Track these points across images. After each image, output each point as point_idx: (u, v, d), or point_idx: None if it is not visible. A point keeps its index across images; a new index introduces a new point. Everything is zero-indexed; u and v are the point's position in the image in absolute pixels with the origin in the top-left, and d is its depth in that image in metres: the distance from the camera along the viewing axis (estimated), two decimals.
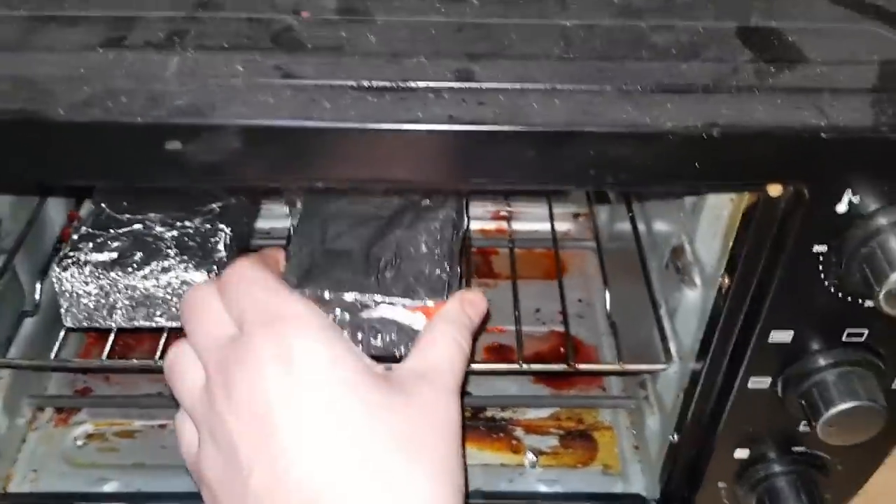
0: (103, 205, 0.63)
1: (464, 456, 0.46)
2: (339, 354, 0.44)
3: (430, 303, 0.52)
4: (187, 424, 0.49)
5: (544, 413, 0.74)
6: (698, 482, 0.60)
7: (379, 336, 0.54)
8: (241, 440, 0.42)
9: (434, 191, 0.60)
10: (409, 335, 0.53)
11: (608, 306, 0.64)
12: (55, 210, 0.73)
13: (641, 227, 0.69)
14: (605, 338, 0.79)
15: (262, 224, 0.83)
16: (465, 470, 0.46)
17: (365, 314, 0.53)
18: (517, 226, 0.88)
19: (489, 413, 0.74)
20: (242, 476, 0.42)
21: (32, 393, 0.71)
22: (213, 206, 0.63)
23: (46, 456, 0.69)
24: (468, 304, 0.53)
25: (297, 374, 0.42)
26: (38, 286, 0.65)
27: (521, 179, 0.43)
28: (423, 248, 0.56)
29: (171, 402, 0.72)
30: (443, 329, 0.51)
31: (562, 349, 0.76)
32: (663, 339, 0.61)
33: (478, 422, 0.73)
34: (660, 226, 0.64)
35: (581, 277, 0.84)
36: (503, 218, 0.89)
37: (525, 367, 0.61)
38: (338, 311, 0.54)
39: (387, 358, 0.51)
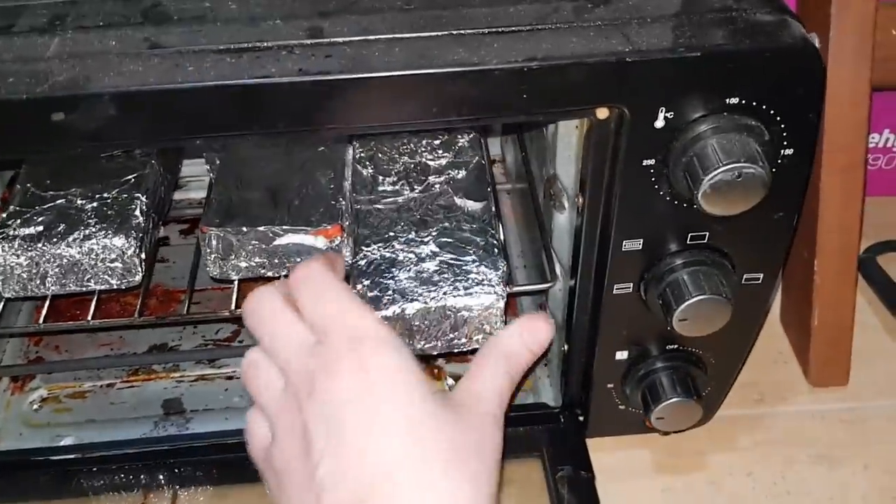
0: (29, 185, 0.68)
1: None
2: (410, 368, 0.48)
3: (327, 227, 0.64)
4: (261, 422, 0.52)
5: None
6: (590, 386, 0.67)
7: (299, 258, 0.64)
8: (317, 435, 0.46)
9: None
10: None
11: (500, 236, 0.70)
12: None
13: (533, 167, 0.75)
14: (520, 271, 0.85)
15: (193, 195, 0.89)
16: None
17: (276, 241, 0.64)
18: None
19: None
20: (312, 464, 0.46)
21: None
22: (129, 177, 0.68)
23: (5, 420, 0.75)
24: (528, 332, 0.54)
25: (373, 383, 0.47)
26: None
27: (372, 122, 0.49)
28: (319, 185, 0.67)
29: (115, 363, 0.79)
30: (496, 360, 0.53)
31: None
32: (549, 261, 0.67)
33: None
34: (540, 161, 0.70)
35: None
36: None
37: None
38: (254, 242, 0.64)
39: None
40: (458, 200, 0.66)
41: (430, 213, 0.65)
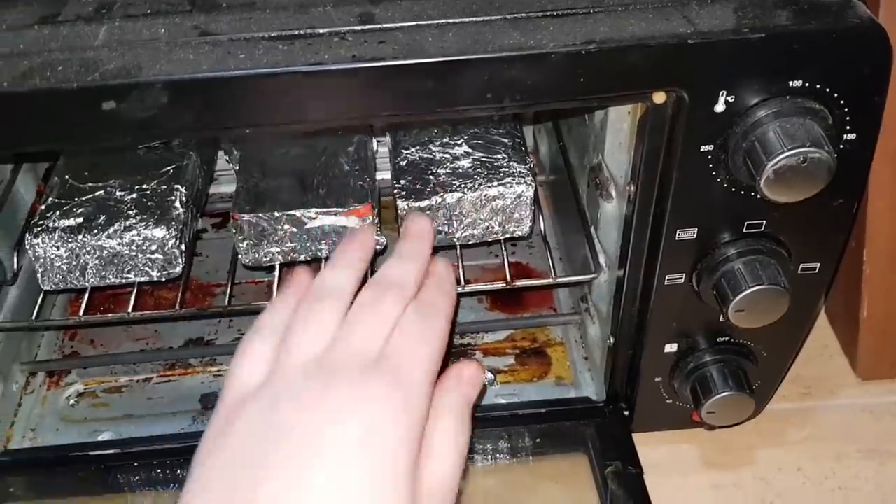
0: (67, 176, 0.68)
1: None
2: (411, 437, 0.44)
3: (357, 206, 0.65)
4: (263, 359, 0.48)
5: (501, 336, 0.79)
6: (636, 379, 0.66)
7: (324, 242, 0.65)
8: (280, 447, 0.42)
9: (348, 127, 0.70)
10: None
11: (542, 227, 0.69)
12: (25, 189, 0.77)
13: (573, 157, 0.74)
14: (557, 264, 0.84)
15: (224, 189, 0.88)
16: None
17: (308, 224, 0.65)
18: None
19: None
20: (262, 471, 0.42)
21: (24, 360, 0.76)
22: (168, 168, 0.68)
23: (42, 416, 0.74)
24: (467, 383, 0.52)
25: (369, 427, 0.43)
26: (14, 257, 0.69)
27: (425, 109, 0.47)
28: (345, 168, 0.69)
29: (151, 357, 0.79)
30: (445, 426, 0.48)
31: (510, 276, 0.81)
32: (593, 252, 0.66)
33: None
34: (581, 150, 0.69)
35: None
36: None
37: (468, 288, 0.66)
38: (287, 226, 0.65)
39: None
40: None
41: (459, 122, 0.70)
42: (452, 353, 0.78)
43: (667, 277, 0.58)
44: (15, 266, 0.69)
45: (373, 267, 0.58)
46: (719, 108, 0.49)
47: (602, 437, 0.66)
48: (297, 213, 0.64)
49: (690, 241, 0.56)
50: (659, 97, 0.49)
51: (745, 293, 0.54)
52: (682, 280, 0.58)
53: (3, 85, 0.44)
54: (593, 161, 0.64)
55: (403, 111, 0.48)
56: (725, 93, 0.48)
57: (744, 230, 0.55)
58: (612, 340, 0.65)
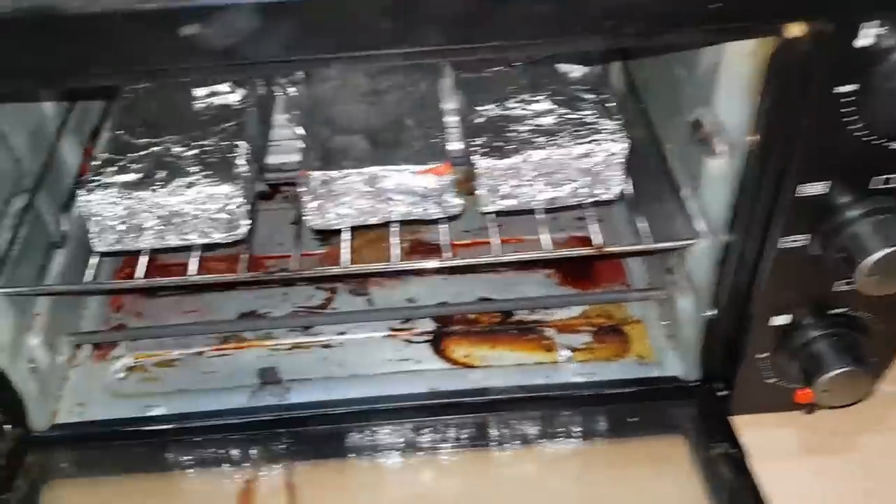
0: (120, 132, 0.63)
1: None
2: None
3: (436, 164, 0.59)
4: None
5: (574, 312, 0.74)
6: (739, 357, 0.60)
7: (405, 201, 0.60)
8: None
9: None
10: (422, 196, 0.60)
11: (625, 193, 0.63)
12: (69, 150, 0.73)
13: (655, 112, 0.68)
14: (628, 237, 0.79)
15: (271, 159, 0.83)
16: None
17: (382, 183, 0.59)
18: None
19: (518, 317, 0.74)
20: None
21: (70, 331, 0.71)
22: (229, 124, 0.63)
23: (90, 390, 0.70)
24: None
25: None
26: (63, 217, 0.65)
27: (541, 36, 0.42)
28: (418, 124, 0.63)
29: (205, 330, 0.74)
30: None
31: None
32: (687, 216, 0.61)
33: (507, 326, 0.74)
34: (671, 104, 0.63)
35: None
36: None
37: (552, 254, 0.61)
38: (360, 184, 0.59)
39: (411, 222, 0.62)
40: (560, 66, 0.66)
41: (536, 79, 0.65)
42: (524, 330, 0.74)
43: (784, 241, 0.53)
44: (64, 227, 0.65)
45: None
46: (863, 41, 0.43)
47: (700, 419, 0.61)
48: (373, 169, 0.59)
49: (814, 199, 0.50)
50: (796, 29, 0.44)
51: (880, 255, 0.49)
52: (802, 243, 0.53)
53: (74, 4, 0.40)
54: (692, 114, 0.58)
55: (510, 41, 0.43)
56: (878, 23, 0.42)
57: (871, 185, 0.50)
58: (711, 314, 0.60)
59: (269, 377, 0.70)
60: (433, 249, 0.80)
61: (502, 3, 0.41)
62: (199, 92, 0.66)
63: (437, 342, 0.73)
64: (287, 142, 0.74)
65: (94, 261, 0.63)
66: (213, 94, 0.66)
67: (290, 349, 0.72)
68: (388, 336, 0.73)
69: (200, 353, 0.72)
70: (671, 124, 0.64)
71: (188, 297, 0.77)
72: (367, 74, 0.67)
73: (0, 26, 0.40)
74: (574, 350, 0.71)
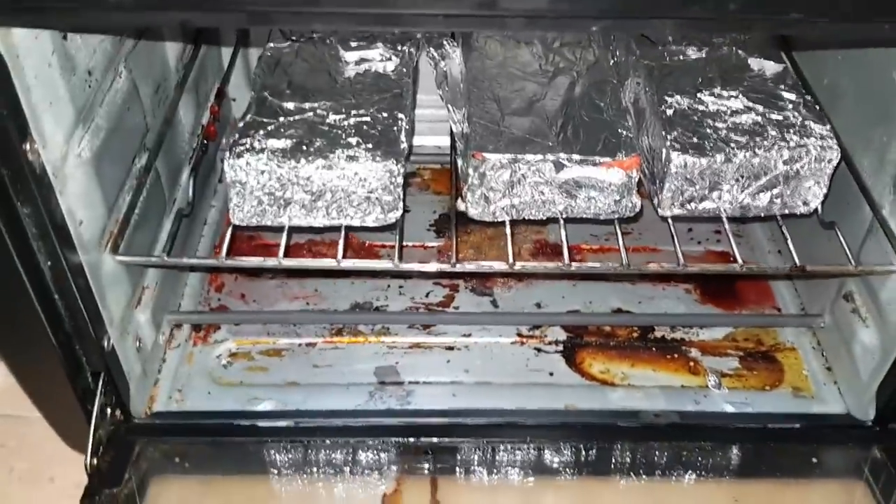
0: (265, 93, 0.57)
1: None
2: None
3: (624, 157, 0.53)
4: None
5: (719, 334, 0.68)
6: None
7: (579, 196, 0.54)
8: None
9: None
10: (607, 192, 0.54)
11: (820, 209, 0.57)
12: (186, 110, 0.66)
13: (845, 123, 0.62)
14: (770, 256, 0.73)
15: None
16: None
17: (563, 175, 0.53)
18: None
19: (658, 333, 0.68)
20: None
21: (171, 309, 0.65)
22: (387, 94, 0.57)
23: (190, 375, 0.63)
24: None
25: None
26: (190, 184, 0.59)
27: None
28: (596, 109, 0.57)
29: (317, 318, 0.68)
30: None
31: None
32: (892, 240, 0.55)
33: (647, 342, 0.68)
34: (866, 113, 0.57)
35: None
36: None
37: (746, 268, 0.55)
38: (540, 173, 0.53)
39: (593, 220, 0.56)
40: (752, 61, 0.61)
41: (727, 72, 0.59)
42: (666, 348, 0.67)
43: None
44: (191, 194, 0.58)
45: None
46: None
47: (884, 464, 0.54)
48: (557, 157, 0.53)
49: None
50: None
51: None
52: None
53: None
54: None
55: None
56: None
57: None
58: None
59: (388, 377, 0.63)
60: (558, 251, 0.74)
61: None
62: (349, 56, 0.60)
63: (571, 353, 0.66)
64: (426, 123, 0.68)
65: (229, 231, 0.55)
66: (363, 59, 0.60)
67: (409, 348, 0.66)
68: (517, 342, 0.67)
69: (312, 345, 0.66)
70: (871, 136, 0.58)
71: (293, 282, 0.70)
72: (532, 52, 0.61)
73: None
74: (722, 375, 0.65)
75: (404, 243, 0.72)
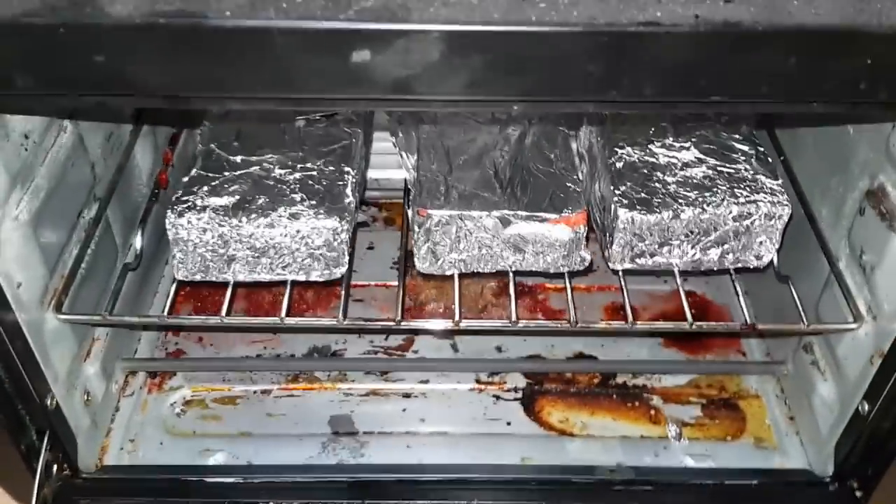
0: (212, 145, 0.56)
1: None
2: None
3: (570, 214, 0.53)
4: None
5: (681, 380, 0.67)
6: (889, 459, 0.53)
7: (527, 251, 0.54)
8: None
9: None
10: (555, 247, 0.54)
11: (775, 261, 0.56)
12: (143, 155, 0.66)
13: (808, 178, 0.61)
14: (740, 297, 0.71)
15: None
16: None
17: (509, 231, 0.53)
18: None
19: (620, 379, 0.67)
20: None
21: (125, 356, 0.64)
22: (335, 146, 0.56)
23: (143, 424, 0.63)
24: None
25: None
26: (138, 237, 0.58)
27: (775, 95, 0.35)
28: (545, 163, 0.57)
29: (272, 366, 0.67)
30: None
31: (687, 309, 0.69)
32: (847, 295, 0.54)
33: (609, 389, 0.67)
34: (830, 169, 0.56)
35: None
36: None
37: (696, 326, 0.54)
38: (486, 229, 0.53)
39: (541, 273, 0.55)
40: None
41: (681, 121, 0.59)
42: (626, 396, 0.66)
43: None
44: (138, 248, 0.58)
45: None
46: None
47: None
48: (503, 213, 0.52)
49: None
50: None
51: None
52: None
53: (226, 14, 0.33)
54: (870, 184, 0.51)
55: (744, 95, 0.35)
56: None
57: None
58: (864, 407, 0.53)
59: (342, 427, 0.63)
60: (523, 291, 0.74)
61: (747, 56, 0.34)
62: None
63: (530, 401, 0.65)
64: (391, 157, 0.67)
65: (173, 287, 0.55)
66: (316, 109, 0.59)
67: (365, 395, 0.65)
68: (475, 389, 0.66)
69: (267, 392, 0.65)
70: (828, 187, 0.57)
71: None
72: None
73: (133, 32, 0.33)
74: (683, 425, 0.64)
75: (366, 282, 0.72)
